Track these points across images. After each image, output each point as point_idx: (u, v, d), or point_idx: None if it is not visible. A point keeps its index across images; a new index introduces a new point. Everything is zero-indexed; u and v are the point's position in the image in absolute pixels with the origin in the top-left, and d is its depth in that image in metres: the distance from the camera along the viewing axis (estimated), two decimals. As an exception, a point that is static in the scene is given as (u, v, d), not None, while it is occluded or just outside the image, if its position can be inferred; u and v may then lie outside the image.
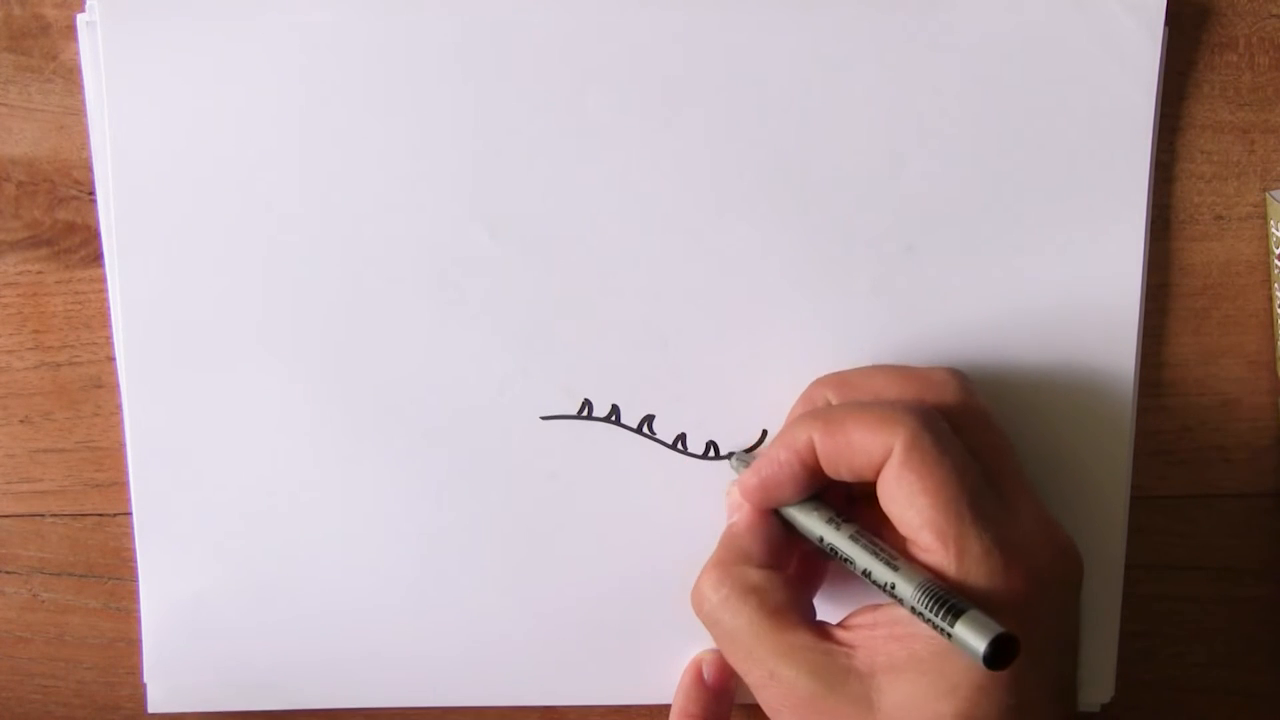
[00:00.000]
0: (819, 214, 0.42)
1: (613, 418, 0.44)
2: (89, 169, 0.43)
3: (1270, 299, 0.44)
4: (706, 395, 0.43)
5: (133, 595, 0.45)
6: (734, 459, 0.43)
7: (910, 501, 0.37)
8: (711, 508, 0.44)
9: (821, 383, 0.41)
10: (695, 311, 0.43)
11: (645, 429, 0.44)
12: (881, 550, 0.38)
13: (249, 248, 0.42)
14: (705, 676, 0.44)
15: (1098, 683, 0.45)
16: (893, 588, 0.37)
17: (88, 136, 0.43)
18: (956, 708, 0.36)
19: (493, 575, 0.44)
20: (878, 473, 0.38)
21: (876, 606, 0.38)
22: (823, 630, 0.39)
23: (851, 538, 0.39)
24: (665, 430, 0.44)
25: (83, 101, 0.42)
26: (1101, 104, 0.42)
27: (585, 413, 0.44)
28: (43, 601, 0.46)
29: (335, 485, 0.44)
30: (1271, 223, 0.43)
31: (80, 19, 0.42)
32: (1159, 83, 0.42)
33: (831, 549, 0.39)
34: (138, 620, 0.45)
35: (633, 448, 0.44)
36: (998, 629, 0.34)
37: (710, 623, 0.40)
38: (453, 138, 0.42)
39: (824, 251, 0.43)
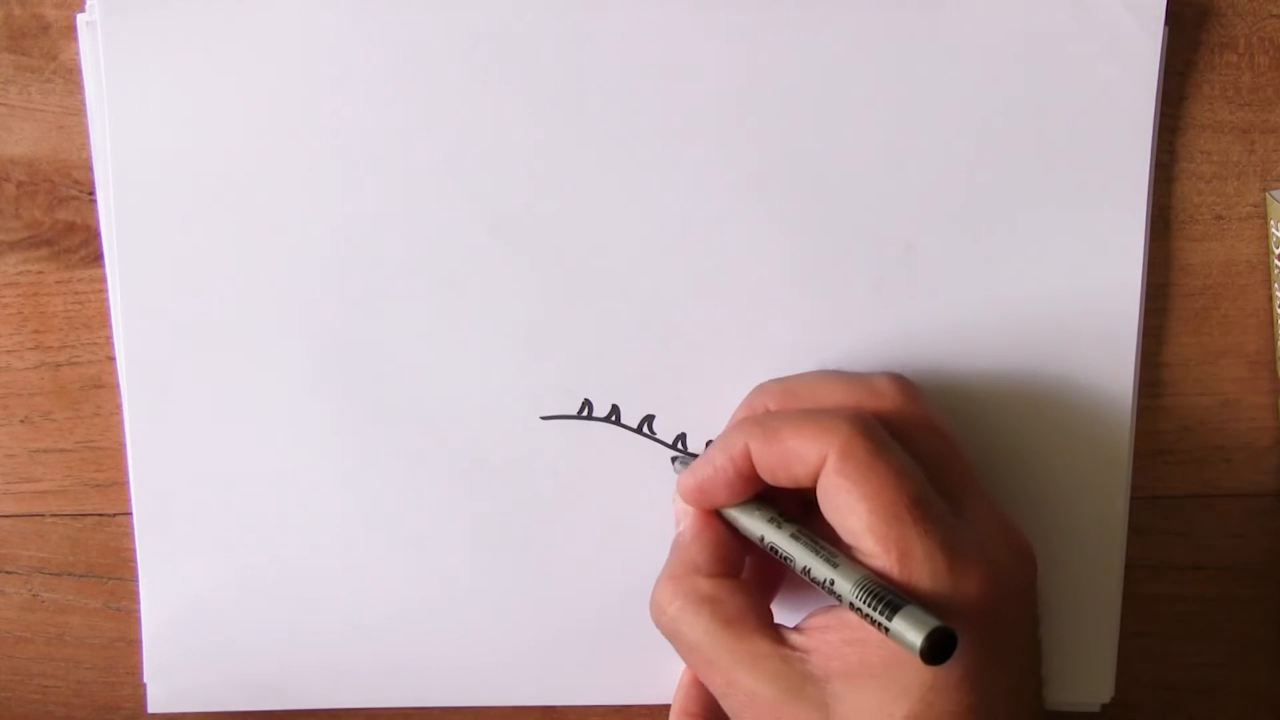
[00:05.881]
0: (819, 214, 0.42)
1: (613, 418, 0.44)
2: (89, 169, 0.43)
3: (1270, 299, 0.44)
4: (706, 395, 0.43)
5: (133, 595, 0.45)
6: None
7: (850, 509, 0.37)
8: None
9: (763, 390, 0.41)
10: (695, 312, 0.43)
11: (645, 429, 0.44)
12: (822, 548, 0.38)
13: (249, 248, 0.42)
14: (705, 676, 0.44)
15: (1098, 683, 0.45)
16: (831, 584, 0.36)
17: (88, 136, 0.43)
18: (910, 709, 0.36)
19: (493, 575, 0.44)
20: (815, 480, 0.38)
21: (830, 609, 0.38)
22: (779, 636, 0.38)
23: (792, 536, 0.38)
24: (665, 430, 0.44)
25: (83, 101, 0.42)
26: (1101, 104, 0.42)
27: (585, 413, 0.44)
28: (43, 601, 0.46)
29: (335, 485, 0.44)
30: (1271, 223, 0.43)
31: (80, 19, 0.42)
32: (1159, 83, 0.42)
33: (772, 548, 0.39)
34: (138, 620, 0.45)
35: (633, 448, 0.44)
36: (934, 622, 0.34)
37: (670, 635, 0.40)
38: (453, 137, 0.42)
39: (824, 251, 0.43)
